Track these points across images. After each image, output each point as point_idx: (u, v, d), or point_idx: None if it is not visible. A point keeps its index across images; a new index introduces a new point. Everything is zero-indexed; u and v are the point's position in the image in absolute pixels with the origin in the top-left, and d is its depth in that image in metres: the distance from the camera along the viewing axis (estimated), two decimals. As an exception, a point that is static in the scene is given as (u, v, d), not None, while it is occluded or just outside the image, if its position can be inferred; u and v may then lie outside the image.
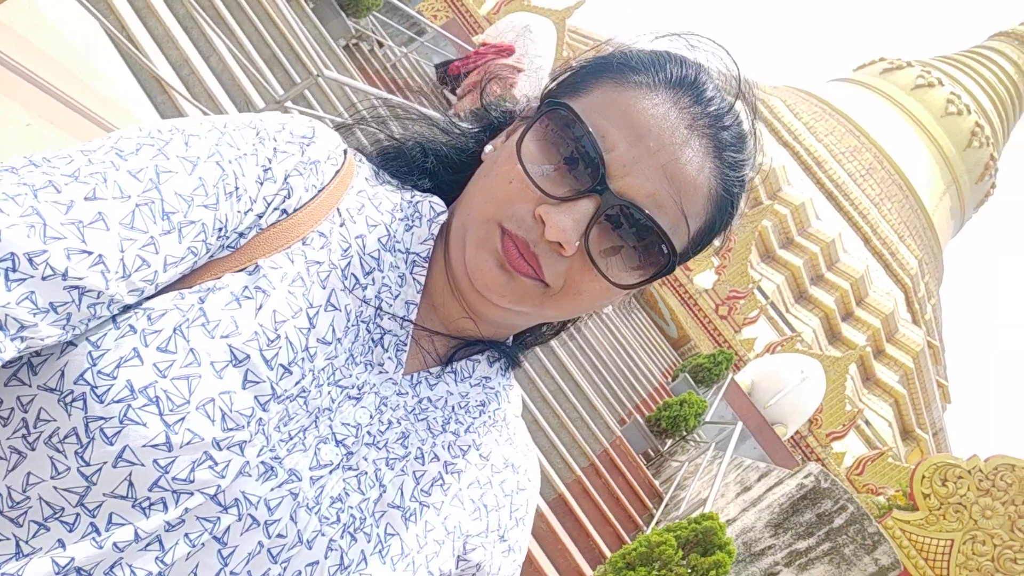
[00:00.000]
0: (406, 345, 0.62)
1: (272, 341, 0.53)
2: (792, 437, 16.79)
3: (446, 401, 0.65)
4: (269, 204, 0.56)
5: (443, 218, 0.64)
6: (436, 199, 0.65)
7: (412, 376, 0.63)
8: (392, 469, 0.60)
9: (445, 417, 0.64)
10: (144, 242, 0.48)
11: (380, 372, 0.60)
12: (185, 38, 4.63)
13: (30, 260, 0.43)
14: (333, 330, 0.57)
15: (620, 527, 5.95)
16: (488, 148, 0.66)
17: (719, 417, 11.98)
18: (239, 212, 0.53)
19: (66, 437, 0.47)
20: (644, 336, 14.14)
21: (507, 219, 0.58)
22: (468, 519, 0.64)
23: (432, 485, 0.62)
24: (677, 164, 0.57)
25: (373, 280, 0.60)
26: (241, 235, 0.54)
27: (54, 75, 2.98)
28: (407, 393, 0.62)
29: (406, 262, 0.62)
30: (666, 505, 6.77)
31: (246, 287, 0.53)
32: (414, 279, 0.62)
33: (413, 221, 0.63)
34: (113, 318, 0.49)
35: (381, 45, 9.73)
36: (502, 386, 0.70)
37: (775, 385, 15.30)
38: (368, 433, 0.59)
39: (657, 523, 6.38)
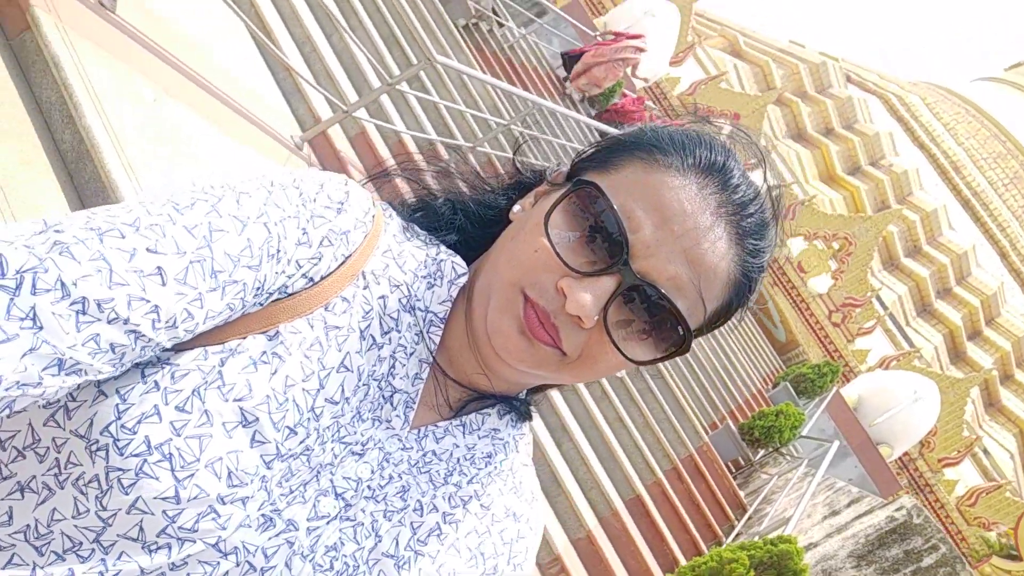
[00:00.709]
0: (415, 402, 0.64)
1: (281, 404, 0.56)
2: (899, 459, 15.92)
3: (451, 453, 0.66)
4: (300, 268, 0.58)
5: (463, 280, 0.66)
6: (459, 260, 0.67)
7: (419, 430, 0.65)
8: (389, 520, 0.62)
9: (449, 469, 0.66)
10: (193, 297, 0.51)
11: (387, 428, 0.63)
12: (310, 16, 4.81)
13: (99, 305, 0.47)
14: (342, 390, 0.59)
15: (698, 535, 5.84)
16: (516, 208, 0.67)
17: (818, 432, 11.50)
18: (277, 273, 0.56)
19: (90, 482, 0.52)
20: (747, 339, 13.72)
21: (530, 287, 0.59)
22: (464, 566, 0.66)
23: (429, 535, 0.64)
24: (699, 249, 0.58)
25: (390, 340, 0.63)
26: (270, 294, 0.57)
27: (181, 50, 3.15)
28: (412, 448, 0.64)
29: (424, 320, 0.64)
30: (748, 518, 6.59)
31: (264, 352, 0.56)
32: (429, 338, 0.64)
33: (435, 280, 0.65)
34: (142, 372, 0.53)
35: (501, 25, 9.77)
36: (512, 436, 0.71)
37: (885, 403, 14.49)
38: (368, 487, 0.61)
39: (737, 535, 6.22)
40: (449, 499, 0.66)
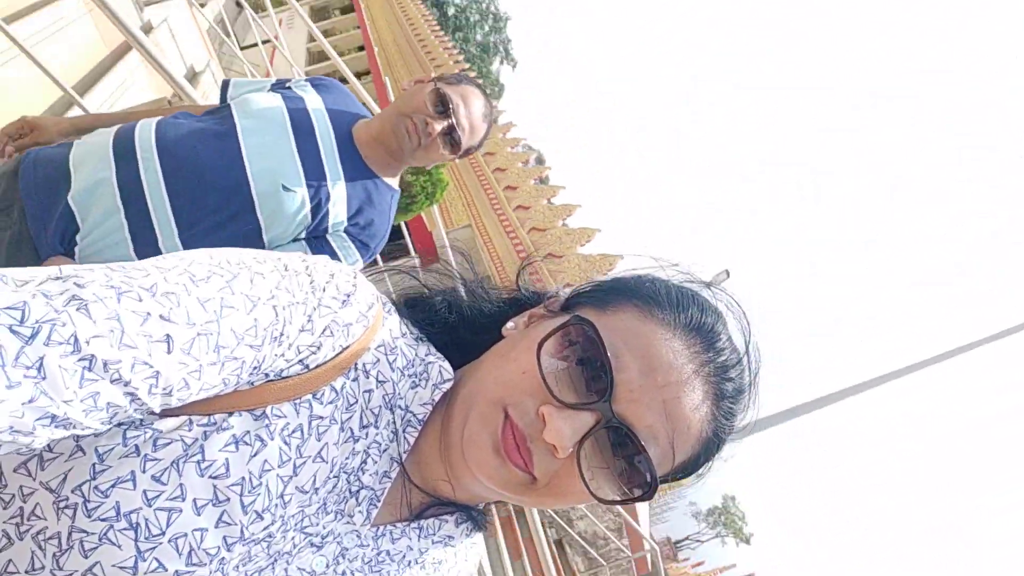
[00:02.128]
0: (379, 500, 0.65)
1: (254, 487, 0.56)
2: None
3: (404, 556, 0.68)
4: (299, 354, 0.58)
5: (447, 386, 0.67)
6: (446, 365, 0.68)
7: (377, 528, 0.66)
8: None
9: (399, 570, 0.67)
10: (193, 368, 0.51)
11: (348, 523, 0.64)
12: None
13: (105, 365, 0.47)
14: (314, 480, 0.60)
15: None
16: (510, 324, 0.69)
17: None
18: (276, 355, 0.56)
19: (50, 538, 0.52)
20: None
21: (513, 406, 0.61)
22: None
23: None
24: (678, 404, 0.60)
25: (367, 434, 0.64)
26: (265, 375, 0.57)
27: None
28: (368, 545, 0.65)
29: (402, 420, 0.66)
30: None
31: (248, 432, 0.56)
32: (405, 438, 0.66)
33: (419, 381, 0.67)
34: (124, 434, 0.53)
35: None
36: (464, 543, 0.73)
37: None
38: None
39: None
40: None
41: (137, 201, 1.37)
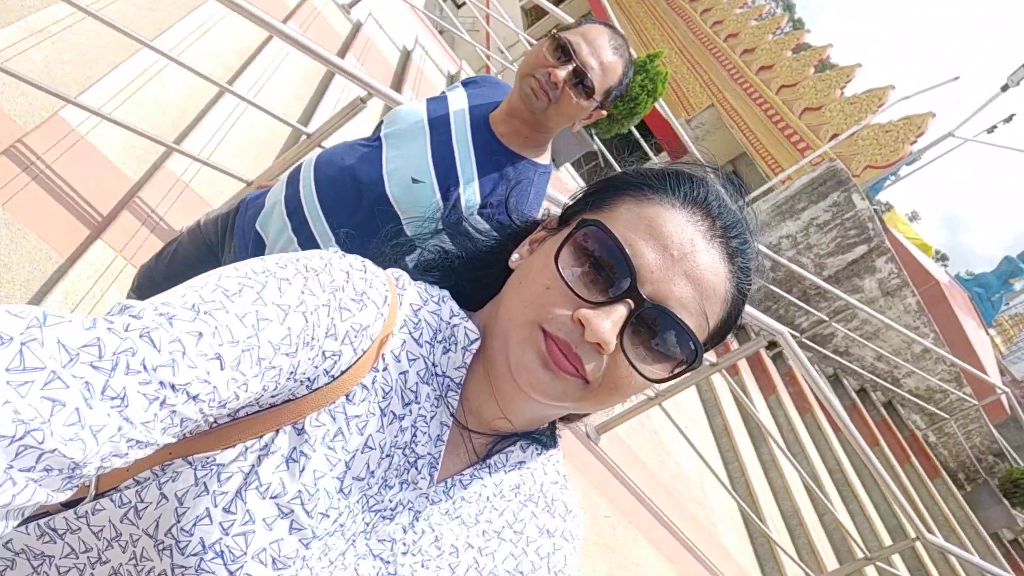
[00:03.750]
0: (438, 462, 0.68)
1: (312, 495, 0.61)
2: None
3: (480, 494, 0.72)
4: (325, 360, 0.61)
5: (475, 346, 0.70)
6: (471, 325, 0.71)
7: (446, 482, 0.70)
8: (427, 569, 0.68)
9: (479, 508, 0.72)
10: (241, 382, 0.54)
11: (414, 489, 0.68)
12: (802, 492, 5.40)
13: (173, 387, 0.50)
14: (367, 466, 0.64)
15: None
16: (515, 257, 0.73)
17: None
18: (309, 359, 0.60)
19: (160, 574, 0.59)
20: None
21: (548, 322, 0.63)
22: None
23: (467, 571, 0.70)
24: (699, 270, 0.64)
25: (410, 411, 0.67)
26: (299, 382, 0.61)
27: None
28: (441, 500, 0.69)
29: (442, 386, 0.69)
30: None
31: (294, 449, 0.61)
32: (448, 402, 0.69)
33: (450, 345, 0.70)
34: (195, 475, 0.59)
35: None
36: (539, 462, 0.77)
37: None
38: (403, 543, 0.67)
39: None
40: (483, 534, 0.71)
41: (297, 213, 1.47)
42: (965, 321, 11.31)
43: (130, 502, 0.59)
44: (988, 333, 16.21)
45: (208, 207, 2.83)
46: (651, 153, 8.37)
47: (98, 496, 0.61)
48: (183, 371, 0.50)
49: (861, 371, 9.21)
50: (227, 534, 0.58)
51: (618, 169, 0.75)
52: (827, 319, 8.87)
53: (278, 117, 2.91)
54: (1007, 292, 18.19)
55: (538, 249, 0.71)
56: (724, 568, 3.95)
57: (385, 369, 0.67)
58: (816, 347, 8.85)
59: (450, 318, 0.71)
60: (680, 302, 0.63)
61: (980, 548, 7.57)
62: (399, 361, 0.68)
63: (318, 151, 1.62)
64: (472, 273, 0.78)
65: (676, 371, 0.65)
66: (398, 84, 5.30)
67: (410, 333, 0.69)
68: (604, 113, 1.48)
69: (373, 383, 0.66)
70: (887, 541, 6.08)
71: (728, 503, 4.83)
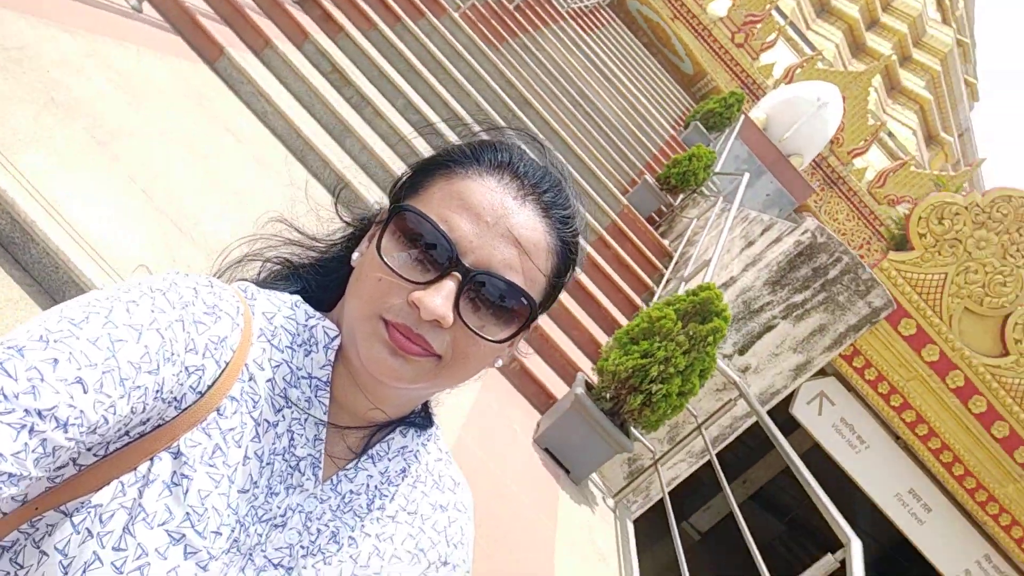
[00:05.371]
0: (320, 462, 0.70)
1: (201, 515, 0.61)
2: (813, 161, 16.72)
3: (368, 484, 0.73)
4: (189, 376, 0.61)
5: (337, 343, 0.71)
6: (328, 323, 0.72)
7: (332, 480, 0.71)
8: (329, 565, 0.69)
9: (369, 498, 0.73)
10: (108, 404, 0.54)
11: (301, 491, 0.69)
12: None
13: (39, 413, 0.50)
14: (251, 477, 0.65)
15: (632, 292, 6.28)
16: (355, 256, 0.73)
17: (733, 160, 11.88)
18: (174, 376, 0.59)
19: None
20: (653, 88, 13.66)
21: (386, 311, 0.65)
22: (409, 568, 0.75)
23: (369, 558, 0.72)
24: (516, 230, 0.66)
25: (283, 416, 0.68)
26: (167, 403, 0.60)
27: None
28: (330, 498, 0.71)
29: (310, 387, 0.70)
30: (675, 263, 7.05)
31: (174, 473, 0.61)
32: (319, 402, 0.70)
33: (311, 347, 0.71)
34: (72, 522, 0.57)
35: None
36: (419, 444, 0.79)
37: (791, 117, 14.94)
38: (301, 547, 0.68)
39: (666, 283, 6.69)
40: (378, 521, 0.73)
41: None
42: None
43: (7, 572, 0.57)
44: None
45: None
46: None
47: None
48: (46, 396, 0.50)
49: None
50: (121, 573, 0.57)
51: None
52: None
53: None
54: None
55: (371, 245, 0.71)
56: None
57: (251, 379, 0.67)
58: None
59: (306, 320, 0.72)
60: (504, 263, 0.65)
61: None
62: (263, 369, 0.68)
63: None
64: (319, 279, 0.78)
65: (518, 328, 0.68)
66: None
67: (269, 340, 0.69)
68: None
69: (241, 394, 0.66)
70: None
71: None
